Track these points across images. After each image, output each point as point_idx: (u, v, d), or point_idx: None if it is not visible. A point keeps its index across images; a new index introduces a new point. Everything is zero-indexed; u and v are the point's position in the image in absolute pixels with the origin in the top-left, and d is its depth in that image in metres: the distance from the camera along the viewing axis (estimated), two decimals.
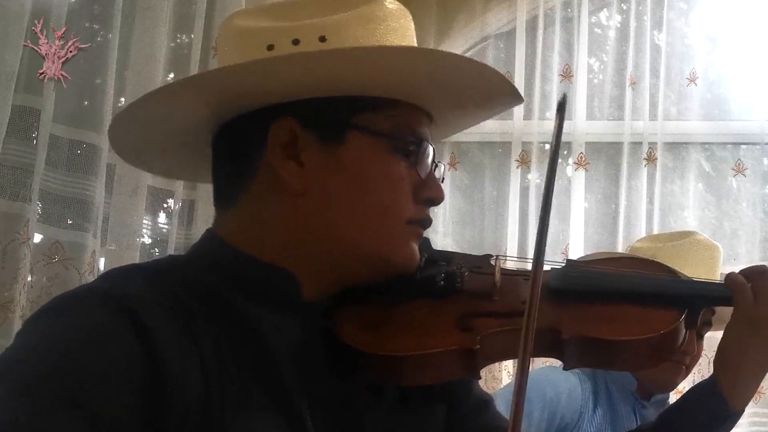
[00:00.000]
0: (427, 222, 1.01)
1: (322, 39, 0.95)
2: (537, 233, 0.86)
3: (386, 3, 1.00)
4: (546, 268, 1.02)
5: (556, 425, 1.92)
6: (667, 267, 1.11)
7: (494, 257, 1.07)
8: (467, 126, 1.12)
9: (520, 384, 0.78)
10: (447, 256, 1.06)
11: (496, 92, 1.03)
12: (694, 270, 1.89)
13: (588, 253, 2.85)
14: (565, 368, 1.01)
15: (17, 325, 1.89)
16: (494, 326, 0.96)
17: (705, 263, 2.02)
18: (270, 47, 0.96)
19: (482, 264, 1.07)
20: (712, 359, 1.18)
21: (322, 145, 0.95)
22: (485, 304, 1.00)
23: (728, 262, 2.92)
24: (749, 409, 2.74)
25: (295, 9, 1.01)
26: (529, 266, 1.05)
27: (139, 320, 0.84)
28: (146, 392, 0.82)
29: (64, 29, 2.03)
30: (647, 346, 0.98)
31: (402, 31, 1.00)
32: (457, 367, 0.96)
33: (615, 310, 1.00)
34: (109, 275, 0.94)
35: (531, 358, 0.80)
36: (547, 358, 2.57)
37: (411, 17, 1.02)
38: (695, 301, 1.03)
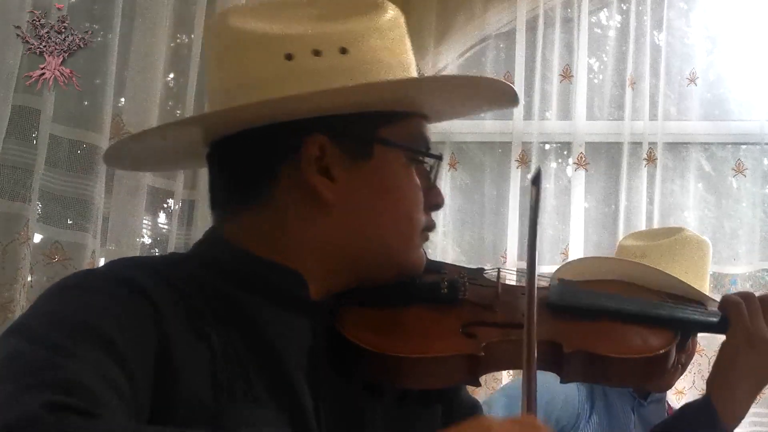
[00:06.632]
0: (433, 227, 1.05)
1: (343, 51, 0.97)
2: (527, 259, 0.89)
3: (389, 9, 1.03)
4: (543, 283, 1.09)
5: (551, 429, 1.91)
6: (662, 292, 1.17)
7: (495, 269, 1.11)
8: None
9: (529, 396, 0.81)
10: (444, 266, 1.10)
11: (496, 95, 1.08)
12: (683, 266, 1.91)
13: (588, 254, 2.84)
14: (562, 382, 1.04)
15: None
16: (497, 336, 0.98)
17: (694, 260, 2.02)
18: (289, 56, 0.96)
19: (476, 276, 1.10)
20: (712, 359, 1.19)
21: (352, 160, 0.97)
22: (488, 314, 1.03)
23: (728, 262, 2.92)
24: (749, 409, 2.75)
25: (299, 10, 1.01)
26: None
27: (153, 302, 0.87)
28: (158, 364, 0.84)
29: (63, 28, 2.03)
30: (643, 365, 1.03)
31: (405, 38, 1.04)
32: (460, 372, 0.98)
33: (615, 328, 1.05)
34: (118, 263, 0.96)
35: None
36: None
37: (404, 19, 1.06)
38: (689, 326, 1.12)
